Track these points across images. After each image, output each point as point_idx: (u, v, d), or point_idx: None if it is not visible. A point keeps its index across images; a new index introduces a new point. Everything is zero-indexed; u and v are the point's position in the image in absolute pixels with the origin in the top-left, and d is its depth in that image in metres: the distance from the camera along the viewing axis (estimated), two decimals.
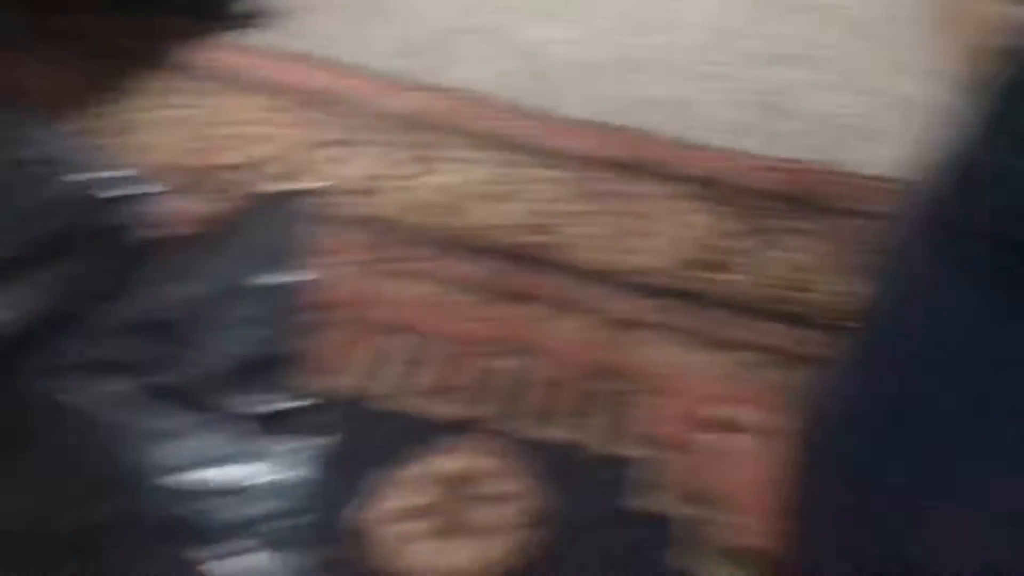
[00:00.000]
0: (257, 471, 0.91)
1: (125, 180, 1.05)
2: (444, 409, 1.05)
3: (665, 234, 1.26)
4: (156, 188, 1.07)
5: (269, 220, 1.08)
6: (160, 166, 1.26)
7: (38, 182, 1.03)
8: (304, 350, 1.04)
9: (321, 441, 0.98)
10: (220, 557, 0.81)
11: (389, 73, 1.45)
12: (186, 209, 1.19)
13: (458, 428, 1.03)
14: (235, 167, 1.28)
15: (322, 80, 1.43)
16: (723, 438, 1.04)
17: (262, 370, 0.98)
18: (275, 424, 0.96)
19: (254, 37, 1.50)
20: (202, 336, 0.95)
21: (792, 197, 1.31)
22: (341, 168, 1.30)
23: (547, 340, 1.12)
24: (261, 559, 0.83)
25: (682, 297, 1.18)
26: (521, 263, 1.20)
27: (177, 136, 1.31)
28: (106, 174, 1.04)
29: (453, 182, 1.30)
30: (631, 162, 1.35)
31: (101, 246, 1.01)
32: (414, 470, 0.98)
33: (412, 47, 1.51)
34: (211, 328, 0.96)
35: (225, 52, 1.47)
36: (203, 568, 0.79)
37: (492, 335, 1.12)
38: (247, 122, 1.35)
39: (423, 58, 1.49)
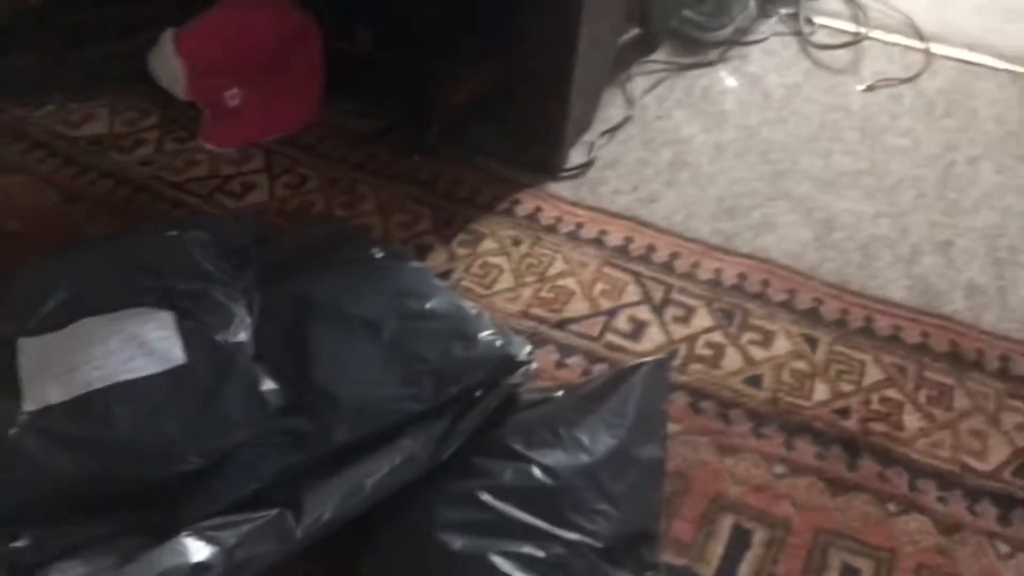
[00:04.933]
0: None
1: (502, 336, 1.13)
2: None
3: (1000, 435, 1.25)
4: (527, 347, 1.14)
5: (634, 388, 1.13)
6: (513, 313, 1.35)
7: (437, 336, 1.11)
8: (665, 527, 1.08)
9: None
10: None
11: (703, 236, 1.51)
12: (550, 366, 1.27)
13: None
14: (583, 319, 1.36)
15: (646, 239, 1.50)
16: None
17: (634, 546, 1.02)
18: None
19: (576, 190, 1.60)
20: (587, 505, 1.00)
21: None
22: (676, 331, 1.36)
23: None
24: None
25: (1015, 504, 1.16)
26: (856, 450, 1.21)
27: (529, 282, 1.40)
28: (487, 332, 1.13)
29: (772, 354, 1.33)
30: (957, 353, 1.35)
31: (486, 403, 1.08)
32: None
33: (724, 211, 1.57)
34: (598, 498, 1.01)
35: (552, 203, 1.56)
36: None
37: (839, 528, 1.12)
38: (585, 276, 1.43)
39: (735, 223, 1.55)
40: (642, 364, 1.18)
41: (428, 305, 1.16)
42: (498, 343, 1.11)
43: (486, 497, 0.99)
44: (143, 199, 1.52)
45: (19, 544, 0.89)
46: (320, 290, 1.18)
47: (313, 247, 1.30)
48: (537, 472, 1.01)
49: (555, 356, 1.31)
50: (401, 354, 1.09)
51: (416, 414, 1.04)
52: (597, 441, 1.05)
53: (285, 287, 1.19)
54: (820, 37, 2.08)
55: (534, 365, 1.16)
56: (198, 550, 0.92)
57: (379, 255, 1.27)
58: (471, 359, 1.08)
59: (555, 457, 1.03)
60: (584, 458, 1.03)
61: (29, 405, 1.00)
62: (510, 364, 1.10)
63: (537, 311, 1.37)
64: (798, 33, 2.10)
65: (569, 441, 1.04)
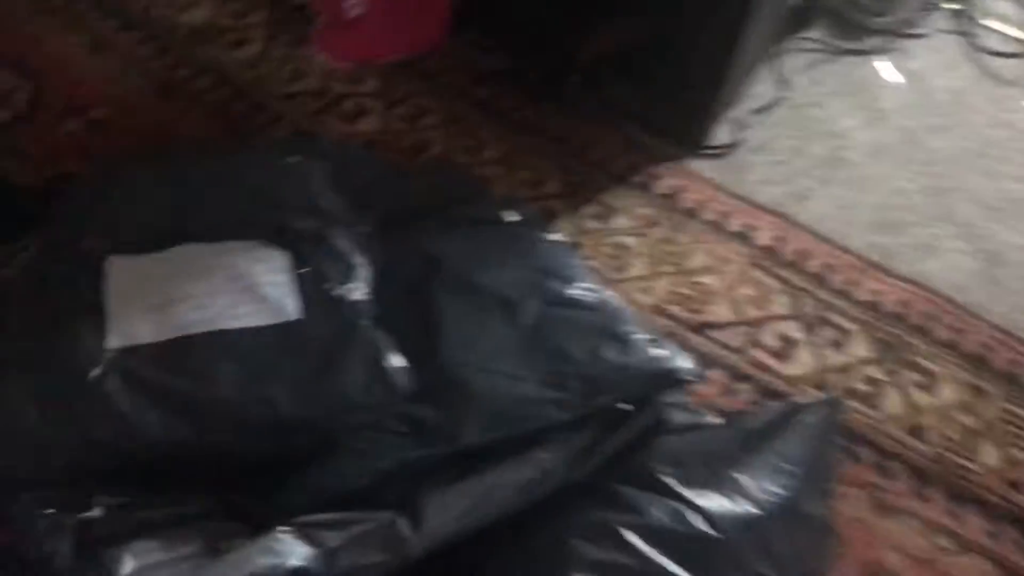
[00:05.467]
0: None
1: (661, 343, 0.96)
2: None
3: None
4: (690, 363, 0.97)
5: (806, 430, 0.96)
6: (646, 307, 1.19)
7: (584, 331, 0.95)
8: None
9: None
10: None
11: (858, 248, 1.34)
12: (700, 390, 1.10)
13: None
14: (725, 326, 1.19)
15: (798, 242, 1.32)
16: None
17: None
18: None
19: (720, 172, 1.42)
20: (750, 567, 0.84)
21: None
22: (829, 358, 1.19)
23: None
24: None
25: None
26: None
27: (666, 273, 1.24)
28: (642, 336, 0.96)
29: (937, 402, 1.16)
30: None
31: (637, 421, 0.92)
32: None
33: (883, 223, 1.39)
34: (762, 560, 0.85)
35: (694, 183, 1.38)
36: None
37: None
38: (729, 275, 1.26)
39: (894, 239, 1.37)
40: (813, 403, 1.02)
41: (571, 291, 0.99)
42: (657, 352, 0.94)
43: (632, 538, 0.83)
44: (243, 105, 1.34)
45: (90, 515, 0.74)
46: (448, 251, 1.01)
47: (436, 197, 1.13)
48: (694, 517, 0.85)
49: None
50: (543, 346, 0.92)
51: (556, 423, 0.87)
52: (764, 489, 0.89)
53: (408, 241, 1.03)
54: (988, 42, 1.87)
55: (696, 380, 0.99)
56: (296, 551, 0.76)
57: (511, 219, 1.10)
58: (627, 367, 0.92)
59: (715, 501, 0.86)
60: (750, 508, 0.87)
61: (114, 341, 0.84)
62: (669, 380, 0.93)
63: (673, 309, 1.20)
64: (964, 33, 1.88)
65: (732, 485, 0.88)
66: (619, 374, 0.91)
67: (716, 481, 0.88)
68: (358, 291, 0.93)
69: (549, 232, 1.12)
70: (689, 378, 0.93)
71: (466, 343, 0.92)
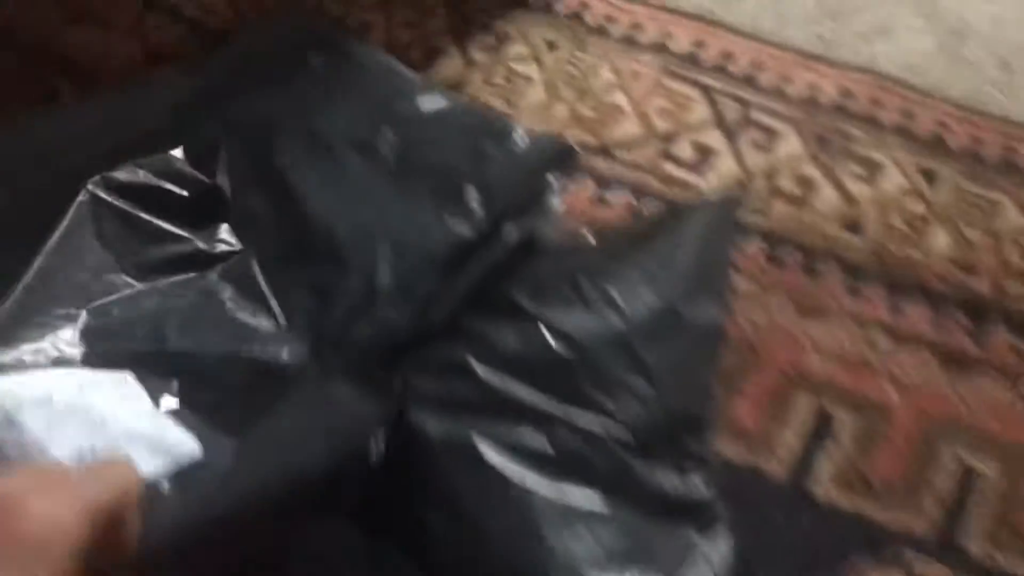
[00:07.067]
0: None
1: (527, 133, 0.85)
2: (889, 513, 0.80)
3: None
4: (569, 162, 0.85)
5: (689, 231, 0.84)
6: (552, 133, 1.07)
7: (457, 137, 0.84)
8: (721, 410, 0.82)
9: (728, 542, 0.74)
10: None
11: (796, 43, 1.18)
12: (585, 203, 0.98)
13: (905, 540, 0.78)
14: (632, 145, 1.06)
15: (721, 44, 1.17)
16: None
17: (676, 435, 0.75)
18: (682, 508, 0.74)
19: None
20: (613, 380, 0.74)
21: None
22: (754, 160, 1.05)
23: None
24: None
25: None
26: (984, 316, 0.92)
27: (566, 98, 1.11)
28: (508, 126, 0.84)
29: (880, 192, 1.02)
30: None
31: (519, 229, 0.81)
32: None
33: (826, 12, 1.23)
34: (629, 371, 0.74)
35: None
36: None
37: (956, 417, 0.84)
38: (639, 90, 1.12)
39: (838, 26, 1.21)
40: (704, 201, 0.89)
41: (424, 105, 0.88)
42: (537, 135, 0.84)
43: (477, 367, 0.73)
44: None
45: None
46: (281, 111, 0.90)
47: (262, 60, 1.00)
48: (548, 337, 0.74)
49: (593, 190, 1.02)
50: (418, 169, 0.81)
51: (465, 243, 0.77)
52: (635, 297, 0.77)
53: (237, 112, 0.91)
54: None
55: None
56: None
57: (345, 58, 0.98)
58: (516, 156, 0.81)
59: (575, 318, 0.75)
60: (615, 320, 0.76)
61: None
62: (564, 156, 0.83)
63: (574, 132, 1.08)
64: None
65: (596, 297, 0.77)
66: (511, 167, 0.80)
67: (577, 296, 0.77)
68: None
69: (382, 58, 0.98)
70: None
71: (339, 197, 0.81)
